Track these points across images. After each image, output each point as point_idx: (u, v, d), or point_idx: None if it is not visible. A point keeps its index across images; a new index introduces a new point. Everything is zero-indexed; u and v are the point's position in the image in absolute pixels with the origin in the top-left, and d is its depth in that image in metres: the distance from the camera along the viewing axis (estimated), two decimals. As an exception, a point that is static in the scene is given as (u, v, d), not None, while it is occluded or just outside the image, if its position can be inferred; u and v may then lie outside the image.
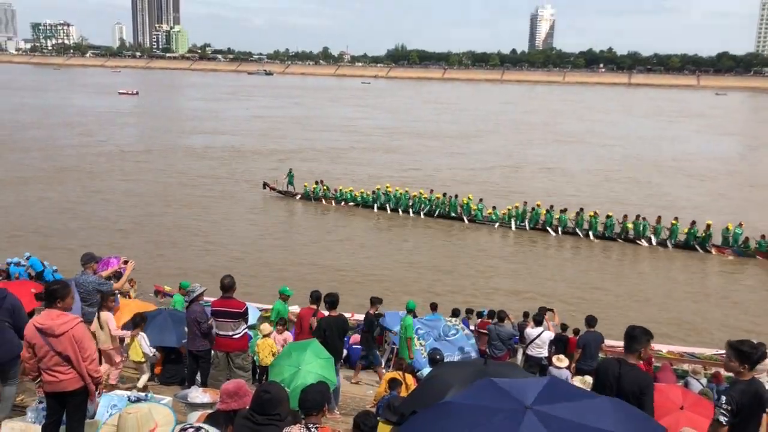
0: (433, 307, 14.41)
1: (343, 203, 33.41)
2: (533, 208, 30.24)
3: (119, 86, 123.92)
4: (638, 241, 27.81)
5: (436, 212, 31.39)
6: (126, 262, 10.44)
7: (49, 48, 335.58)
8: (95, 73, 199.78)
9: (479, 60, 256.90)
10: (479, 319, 15.65)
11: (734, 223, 27.27)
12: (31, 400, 7.91)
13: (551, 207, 30.11)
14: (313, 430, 4.80)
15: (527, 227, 29.71)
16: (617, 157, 53.72)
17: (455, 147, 58.48)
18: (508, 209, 30.63)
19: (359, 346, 13.67)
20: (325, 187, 34.56)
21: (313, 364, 8.23)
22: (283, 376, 8.07)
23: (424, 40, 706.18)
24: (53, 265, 18.86)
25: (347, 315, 15.04)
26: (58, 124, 66.75)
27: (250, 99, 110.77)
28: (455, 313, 14.78)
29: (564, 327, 14.44)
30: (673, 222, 27.75)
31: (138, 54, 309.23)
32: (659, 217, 28.37)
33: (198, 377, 9.84)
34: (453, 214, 31.14)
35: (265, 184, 36.07)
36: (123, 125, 68.62)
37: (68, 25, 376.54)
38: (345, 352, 12.54)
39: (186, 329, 10.12)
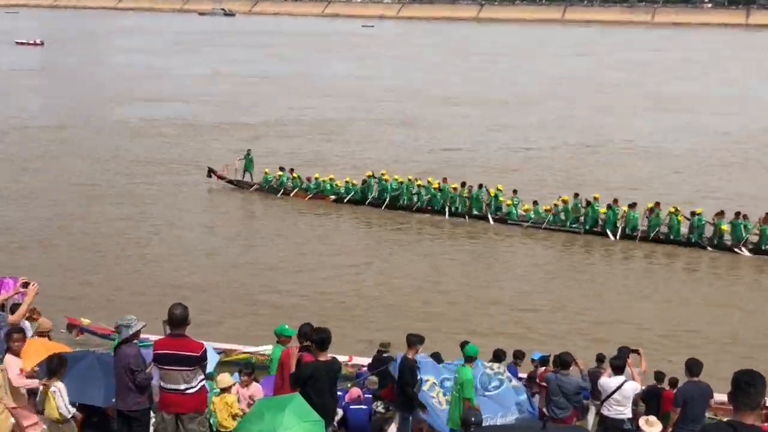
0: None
1: (319, 197, 34.36)
2: (588, 202, 30.69)
3: (16, 33, 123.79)
4: (736, 249, 28.22)
5: (451, 209, 32.21)
6: (26, 285, 10.62)
7: None
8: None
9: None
10: (534, 366, 15.72)
11: None
12: None
13: (615, 201, 30.46)
14: None
15: (581, 229, 30.26)
16: (737, 132, 53.63)
17: (501, 118, 58.92)
18: (555, 204, 31.17)
19: (363, 406, 13.77)
20: (294, 176, 35.48)
21: (295, 430, 8.34)
22: (251, 449, 8.19)
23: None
24: None
25: (342, 359, 15.31)
26: None
27: (207, 51, 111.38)
28: (498, 357, 14.91)
29: (659, 376, 14.50)
30: None
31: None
32: (767, 215, 28.54)
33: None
34: (475, 212, 31.92)
35: (210, 172, 36.77)
36: (24, 90, 69.62)
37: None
38: (340, 412, 12.66)
39: (115, 380, 10.29)
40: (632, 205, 29.99)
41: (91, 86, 73.03)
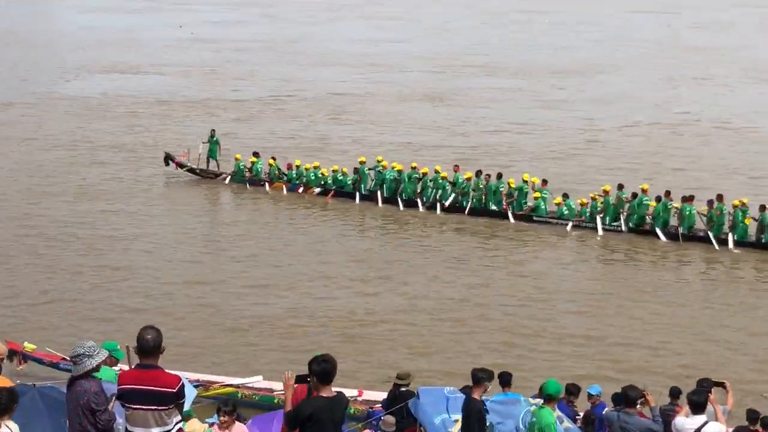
0: (505, 380, 14.75)
1: (302, 189, 34.91)
2: (634, 194, 31.20)
3: None
4: None
5: (467, 204, 32.85)
6: None
7: None
8: None
9: None
10: (591, 403, 15.72)
11: None
12: None
13: (667, 193, 30.74)
14: None
15: (623, 227, 30.87)
16: None
17: (552, 91, 58.86)
18: (593, 197, 31.63)
19: None
20: (272, 163, 36.15)
21: None
22: None
23: None
24: None
25: (351, 394, 15.38)
26: None
27: (186, 8, 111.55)
28: (506, 381, 15.04)
29: (752, 415, 14.45)
30: None
31: None
32: None
33: None
34: (494, 207, 32.57)
35: (167, 158, 37.24)
36: None
37: None
38: None
39: (67, 422, 10.34)
40: (688, 198, 30.31)
41: (41, 54, 73.65)
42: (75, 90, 57.92)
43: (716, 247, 29.14)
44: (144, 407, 9.54)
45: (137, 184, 36.48)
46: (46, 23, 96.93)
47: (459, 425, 13.39)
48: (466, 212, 32.51)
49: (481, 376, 13.23)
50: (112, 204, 33.65)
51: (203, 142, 37.59)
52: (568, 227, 30.95)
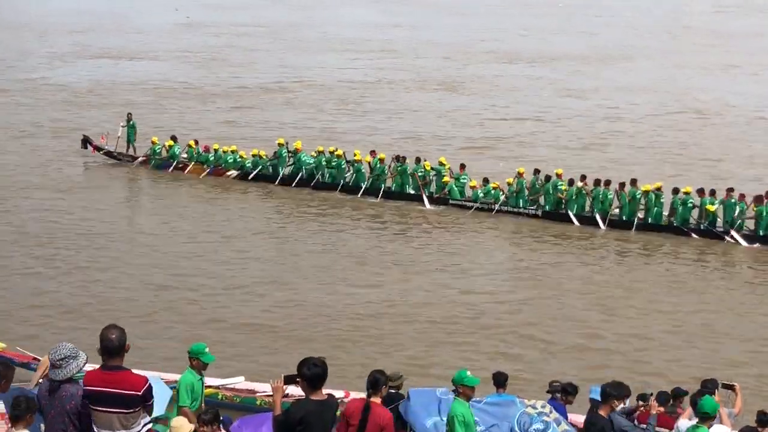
0: (500, 381, 15.00)
1: (219, 172, 36.32)
2: (548, 177, 32.52)
3: None
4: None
5: (382, 187, 34.33)
6: None
7: None
8: None
9: None
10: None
11: None
12: None
13: (582, 177, 32.02)
14: None
15: (538, 209, 32.35)
16: None
17: (575, 79, 59.02)
18: (508, 182, 32.85)
19: None
20: (191, 144, 37.43)
21: None
22: None
23: None
24: None
25: (338, 395, 15.40)
26: None
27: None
28: (499, 382, 15.13)
29: (763, 418, 14.40)
30: None
31: None
32: None
33: None
34: (411, 191, 34.18)
35: (85, 141, 38.32)
36: None
37: None
38: None
39: (43, 426, 10.31)
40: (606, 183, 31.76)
41: (28, 38, 73.86)
42: (62, 76, 58.07)
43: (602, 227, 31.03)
44: (109, 410, 9.64)
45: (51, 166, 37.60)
46: (33, 6, 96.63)
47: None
48: (379, 196, 33.87)
49: (612, 393, 13.07)
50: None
51: (121, 126, 38.46)
52: (494, 210, 32.26)
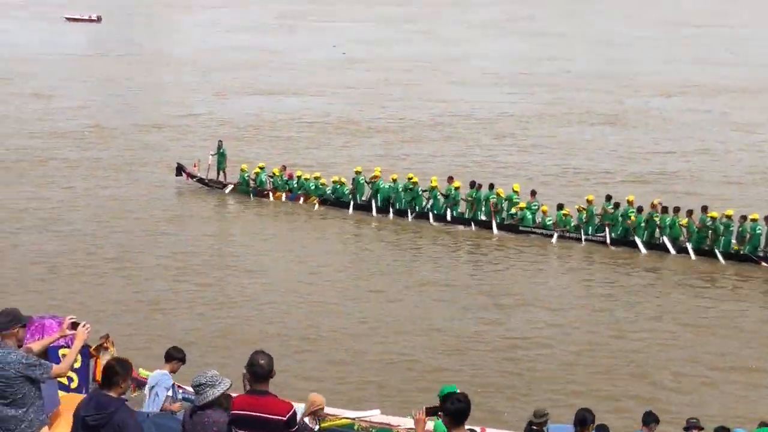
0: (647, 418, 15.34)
1: (302, 200, 38.04)
2: (617, 204, 33.63)
3: (66, 6, 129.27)
4: None
5: (456, 213, 35.70)
6: (74, 326, 10.85)
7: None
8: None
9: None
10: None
11: None
12: None
13: (652, 205, 33.01)
14: None
15: (607, 239, 33.16)
16: None
17: (744, 112, 57.71)
18: (579, 208, 34.00)
19: None
20: (276, 172, 39.30)
21: None
22: None
23: None
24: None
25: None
26: None
27: (334, 26, 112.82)
28: (584, 421, 14.58)
29: None
30: None
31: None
32: None
33: None
34: (483, 217, 35.29)
35: (179, 169, 40.11)
36: (83, 80, 72.89)
37: None
38: None
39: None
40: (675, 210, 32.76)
41: (188, 74, 76.25)
42: (226, 111, 59.68)
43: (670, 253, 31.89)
44: None
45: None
46: (189, 43, 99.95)
47: None
48: (449, 219, 35.36)
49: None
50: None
51: (212, 154, 40.18)
52: (553, 239, 33.49)
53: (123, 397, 10.03)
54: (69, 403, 12.84)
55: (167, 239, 33.34)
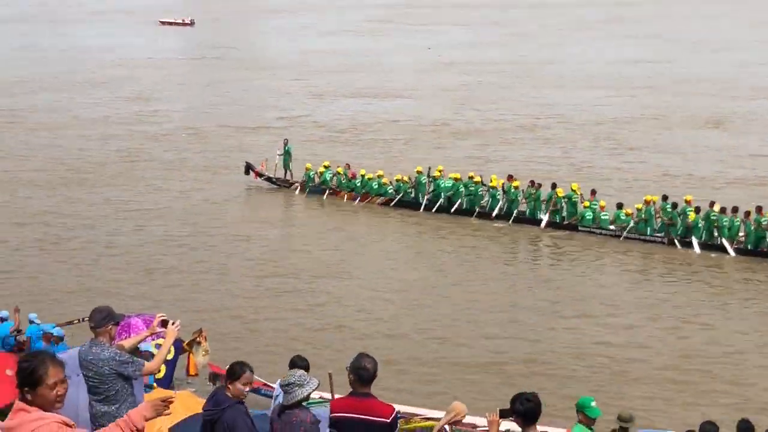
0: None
1: (367, 199, 39.10)
2: (675, 205, 33.88)
3: (160, 10, 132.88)
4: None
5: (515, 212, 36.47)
6: (164, 324, 11.12)
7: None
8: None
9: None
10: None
11: None
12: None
13: (711, 204, 33.44)
14: None
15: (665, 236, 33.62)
16: None
17: None
18: (638, 207, 34.39)
19: None
20: (339, 170, 40.36)
21: None
22: None
23: None
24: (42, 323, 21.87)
25: None
26: (81, 82, 74.21)
27: (428, 29, 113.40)
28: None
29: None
30: None
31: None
32: None
33: None
34: (542, 216, 36.11)
35: (248, 168, 41.61)
36: (178, 84, 75.25)
37: None
38: None
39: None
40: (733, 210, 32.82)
41: (280, 77, 77.20)
42: (323, 114, 60.37)
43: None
44: None
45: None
46: (281, 46, 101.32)
47: None
48: (510, 220, 36.19)
49: None
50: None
51: (278, 153, 41.34)
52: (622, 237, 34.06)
53: (241, 397, 10.23)
54: (156, 395, 13.19)
55: (247, 242, 34.43)
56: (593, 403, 13.33)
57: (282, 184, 41.38)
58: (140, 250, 33.19)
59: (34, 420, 6.73)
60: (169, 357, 17.52)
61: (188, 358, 19.07)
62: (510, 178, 37.20)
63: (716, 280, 29.82)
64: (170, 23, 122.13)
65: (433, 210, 37.45)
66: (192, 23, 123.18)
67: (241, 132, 54.12)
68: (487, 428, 11.07)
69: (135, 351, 11.68)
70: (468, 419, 18.06)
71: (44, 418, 6.76)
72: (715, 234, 32.77)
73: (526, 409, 9.77)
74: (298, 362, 13.51)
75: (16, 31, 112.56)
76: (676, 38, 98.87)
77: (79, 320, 21.81)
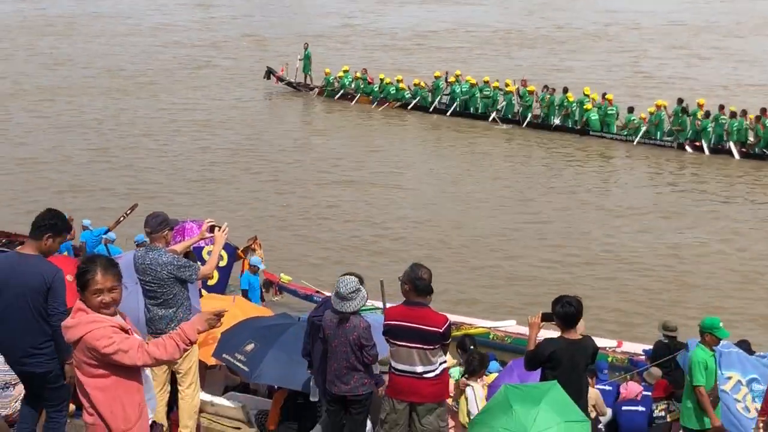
0: None
1: (387, 103, 40.03)
2: (707, 113, 34.19)
3: None
4: None
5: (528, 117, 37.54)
6: (212, 229, 11.12)
7: None
8: None
9: None
10: None
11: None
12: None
13: (720, 107, 33.81)
14: None
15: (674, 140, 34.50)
16: None
17: None
18: (650, 112, 35.39)
19: (640, 408, 14.25)
20: (357, 76, 41.68)
21: (553, 431, 8.12)
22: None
23: None
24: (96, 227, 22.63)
25: (610, 345, 17.15)
26: None
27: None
28: None
29: None
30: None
31: None
32: None
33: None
34: (556, 121, 36.90)
35: (269, 72, 42.77)
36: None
37: None
38: (609, 413, 13.72)
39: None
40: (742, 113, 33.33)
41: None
42: (386, 22, 60.06)
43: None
44: (409, 344, 10.10)
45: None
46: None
47: (733, 381, 12.96)
48: (524, 125, 37.21)
49: None
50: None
51: (299, 58, 42.26)
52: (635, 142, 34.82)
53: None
54: (207, 301, 13.56)
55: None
56: (721, 324, 13.05)
57: (302, 88, 42.43)
58: (194, 158, 33.94)
59: (90, 322, 6.88)
60: (223, 264, 17.83)
61: (242, 264, 19.37)
62: (523, 82, 37.85)
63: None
64: None
65: (448, 114, 38.53)
66: None
67: (301, 39, 53.55)
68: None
69: (187, 255, 11.89)
70: (518, 328, 18.37)
71: (99, 321, 6.92)
72: (725, 138, 33.23)
73: (565, 312, 10.09)
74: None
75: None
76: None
77: (124, 216, 22.42)
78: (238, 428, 12.30)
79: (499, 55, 48.79)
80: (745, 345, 14.19)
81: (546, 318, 10.32)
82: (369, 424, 10.87)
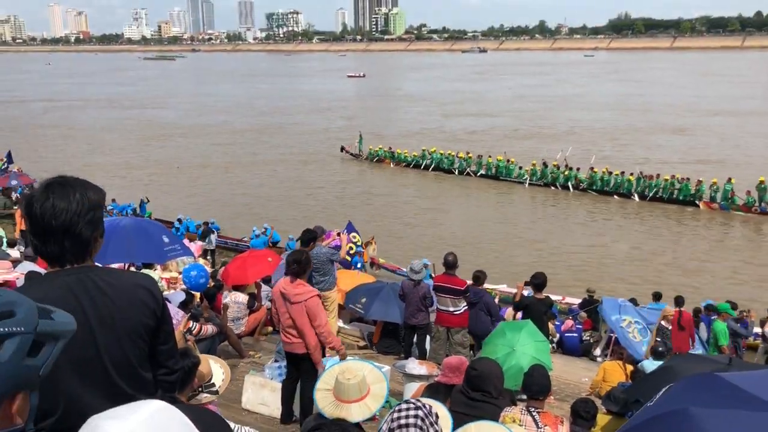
0: (657, 296, 15.09)
1: (402, 164, 38.99)
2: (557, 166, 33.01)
3: (346, 69, 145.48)
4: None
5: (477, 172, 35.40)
6: (339, 235, 12.57)
7: (281, 36, 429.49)
8: (322, 57, 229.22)
9: (715, 26, 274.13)
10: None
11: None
12: (267, 358, 9.98)
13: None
14: (534, 414, 5.19)
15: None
16: None
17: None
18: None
19: (574, 334, 14.87)
20: (379, 147, 41.40)
21: (528, 346, 8.39)
22: (496, 355, 8.13)
23: (651, 7, 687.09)
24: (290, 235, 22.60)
25: (557, 298, 16.42)
26: (314, 109, 73.32)
27: (496, 78, 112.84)
28: (678, 302, 14.35)
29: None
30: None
31: (359, 38, 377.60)
32: None
33: (414, 349, 11.15)
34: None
35: (342, 148, 43.77)
36: (372, 109, 73.49)
37: (297, 13, 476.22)
38: (558, 336, 14.32)
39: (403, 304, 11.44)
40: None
41: (424, 105, 75.09)
42: (448, 127, 56.61)
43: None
44: (446, 296, 10.64)
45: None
46: (422, 87, 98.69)
47: (627, 322, 12.59)
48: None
49: None
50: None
51: (357, 142, 42.89)
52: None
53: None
54: (342, 274, 13.75)
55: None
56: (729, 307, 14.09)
57: (356, 156, 42.49)
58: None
59: (307, 292, 7.13)
60: (353, 252, 18.51)
61: (364, 253, 19.75)
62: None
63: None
64: (352, 76, 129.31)
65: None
66: (364, 76, 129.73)
67: (390, 137, 49.21)
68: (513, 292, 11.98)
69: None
70: (508, 289, 18.14)
71: (311, 291, 7.20)
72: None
73: (538, 281, 10.46)
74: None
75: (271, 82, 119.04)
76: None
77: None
78: (357, 341, 12.81)
79: (519, 144, 45.22)
80: (633, 301, 14.38)
81: (526, 284, 10.85)
82: (428, 338, 11.15)
